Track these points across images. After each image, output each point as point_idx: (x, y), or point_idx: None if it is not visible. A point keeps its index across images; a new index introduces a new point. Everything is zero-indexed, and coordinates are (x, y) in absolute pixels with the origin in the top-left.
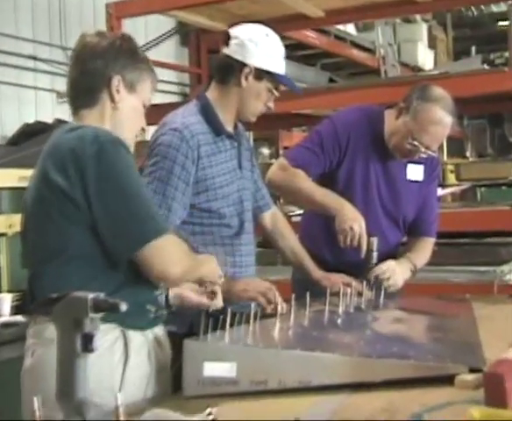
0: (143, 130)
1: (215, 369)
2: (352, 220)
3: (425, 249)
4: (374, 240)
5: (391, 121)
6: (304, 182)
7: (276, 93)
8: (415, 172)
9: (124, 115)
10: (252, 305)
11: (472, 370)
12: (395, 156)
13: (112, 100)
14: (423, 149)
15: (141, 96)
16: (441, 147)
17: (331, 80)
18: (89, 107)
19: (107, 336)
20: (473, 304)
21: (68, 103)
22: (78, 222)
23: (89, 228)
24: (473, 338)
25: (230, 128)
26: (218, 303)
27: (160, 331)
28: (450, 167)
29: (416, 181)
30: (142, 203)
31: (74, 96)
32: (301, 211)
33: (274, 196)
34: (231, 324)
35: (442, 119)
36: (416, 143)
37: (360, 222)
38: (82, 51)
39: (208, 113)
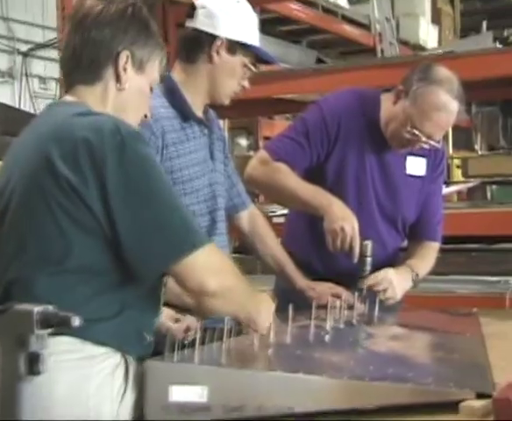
0: (145, 117)
1: (183, 394)
2: (343, 220)
3: (429, 256)
4: (369, 244)
5: (388, 106)
6: (288, 178)
7: (253, 68)
8: (416, 166)
9: (129, 98)
10: (227, 319)
11: (480, 396)
12: (393, 147)
13: (117, 79)
14: (424, 139)
15: (149, 78)
16: (446, 139)
17: (319, 60)
18: (89, 84)
19: (108, 360)
20: (482, 320)
21: (63, 75)
22: (89, 228)
23: (102, 237)
24: (481, 359)
25: (199, 113)
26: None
27: None
28: (456, 161)
29: (418, 177)
30: (176, 210)
31: (73, 67)
32: (284, 211)
33: (253, 193)
34: (202, 342)
35: (446, 104)
36: (416, 131)
37: (352, 222)
38: (85, 17)
39: (174, 96)
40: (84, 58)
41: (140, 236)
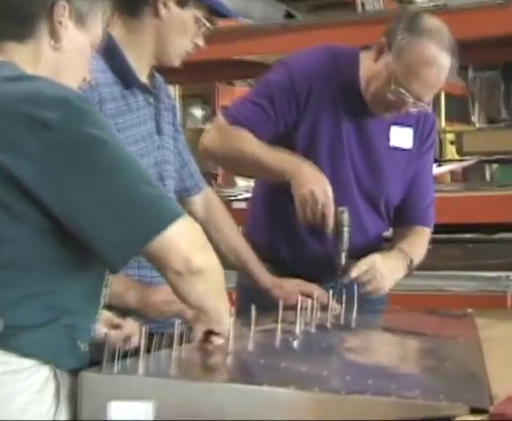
0: (85, 81)
1: (124, 411)
2: (313, 183)
3: (421, 242)
4: (345, 212)
5: (368, 65)
6: (248, 143)
7: (208, 24)
8: (401, 137)
9: (66, 58)
10: (177, 323)
11: (475, 410)
12: (375, 112)
13: (53, 35)
14: (411, 100)
15: (91, 34)
16: (437, 109)
17: (288, 14)
18: (19, 40)
19: (36, 375)
20: (478, 322)
21: None
22: (22, 215)
23: (39, 226)
24: (477, 368)
25: (144, 78)
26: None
27: None
28: (449, 136)
29: (403, 150)
30: (143, 179)
31: None
32: (246, 195)
33: (209, 174)
34: (148, 350)
35: (436, 58)
36: (401, 90)
37: (324, 185)
38: None
39: (113, 57)
40: (13, 9)
41: (106, 215)
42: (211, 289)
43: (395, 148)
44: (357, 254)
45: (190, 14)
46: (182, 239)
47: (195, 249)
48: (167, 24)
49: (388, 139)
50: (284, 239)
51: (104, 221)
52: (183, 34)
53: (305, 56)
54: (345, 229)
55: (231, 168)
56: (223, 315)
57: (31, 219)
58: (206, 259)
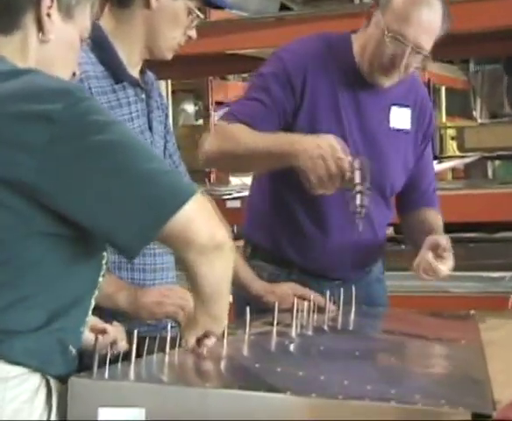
0: (74, 75)
1: (115, 417)
2: (318, 146)
3: (441, 222)
4: (360, 160)
5: (360, 37)
6: (246, 136)
7: (200, 14)
8: (400, 117)
9: (54, 51)
10: (169, 325)
11: (477, 416)
12: (375, 81)
13: (40, 28)
14: (409, 46)
15: (79, 26)
16: (438, 104)
17: (283, 6)
18: (5, 33)
19: (26, 383)
20: (480, 324)
21: None
22: (18, 217)
23: (31, 231)
24: (479, 372)
25: (135, 72)
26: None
27: None
28: (450, 131)
29: (403, 131)
30: (151, 157)
31: None
32: (240, 194)
33: (203, 172)
34: (139, 354)
35: None
36: (398, 37)
37: (329, 140)
38: None
39: (103, 50)
40: None
41: (119, 203)
42: (228, 271)
43: (396, 130)
44: (364, 247)
45: (182, 4)
46: (202, 214)
47: (216, 223)
48: (158, 15)
49: (388, 121)
50: (289, 238)
51: (119, 207)
52: (175, 25)
53: (298, 45)
54: (357, 172)
55: (234, 169)
56: (223, 309)
57: (26, 220)
58: (226, 234)
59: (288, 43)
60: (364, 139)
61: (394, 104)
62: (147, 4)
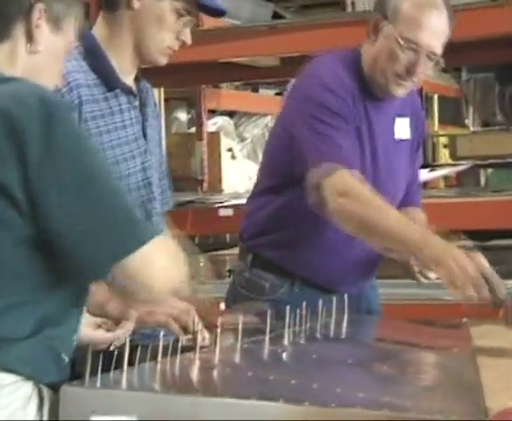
0: (56, 86)
1: None
2: (460, 257)
3: (425, 222)
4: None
5: (368, 54)
6: (384, 215)
7: (188, 15)
8: (402, 128)
9: (42, 61)
10: (161, 334)
11: None
12: (388, 91)
13: (30, 38)
14: (423, 52)
15: (66, 37)
16: (430, 112)
17: (276, 14)
18: None
19: (18, 392)
20: (473, 332)
21: None
22: (8, 224)
23: (22, 233)
24: (471, 380)
25: (129, 80)
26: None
27: None
28: (442, 139)
29: (405, 141)
30: (117, 196)
31: None
32: (232, 202)
33: (195, 180)
34: (131, 362)
35: (431, 1)
36: (412, 45)
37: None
38: None
39: (95, 58)
40: None
41: (79, 229)
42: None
43: (400, 140)
44: (371, 258)
45: (168, 5)
46: (160, 258)
47: (172, 271)
48: (141, 16)
49: (393, 132)
50: (293, 252)
51: (85, 231)
52: (161, 27)
53: (327, 67)
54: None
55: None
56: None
57: (15, 227)
58: (182, 278)
59: (311, 66)
60: (373, 153)
61: (397, 115)
62: (130, 5)
